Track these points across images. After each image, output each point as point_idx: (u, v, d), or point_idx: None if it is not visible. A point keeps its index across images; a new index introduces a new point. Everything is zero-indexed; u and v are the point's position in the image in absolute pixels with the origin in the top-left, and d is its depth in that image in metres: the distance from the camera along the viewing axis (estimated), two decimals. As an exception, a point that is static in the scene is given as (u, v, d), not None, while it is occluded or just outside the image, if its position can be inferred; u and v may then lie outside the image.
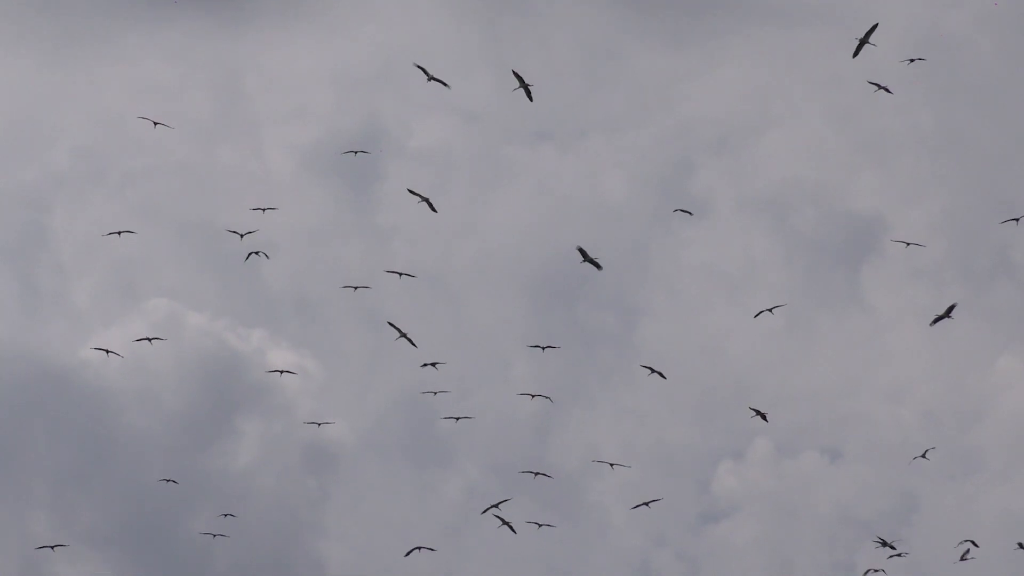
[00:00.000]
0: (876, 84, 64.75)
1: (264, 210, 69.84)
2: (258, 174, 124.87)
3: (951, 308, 57.74)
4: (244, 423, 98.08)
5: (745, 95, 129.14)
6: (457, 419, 75.95)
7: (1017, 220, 63.70)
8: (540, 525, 69.24)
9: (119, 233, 73.40)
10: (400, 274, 66.58)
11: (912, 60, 66.18)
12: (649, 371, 64.28)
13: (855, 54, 59.24)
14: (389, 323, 64.65)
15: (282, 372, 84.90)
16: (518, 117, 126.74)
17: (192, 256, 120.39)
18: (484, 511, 67.01)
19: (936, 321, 58.39)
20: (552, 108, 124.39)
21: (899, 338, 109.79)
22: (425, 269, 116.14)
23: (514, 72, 59.96)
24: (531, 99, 61.51)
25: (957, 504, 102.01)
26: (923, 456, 61.10)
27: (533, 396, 71.48)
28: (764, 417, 62.66)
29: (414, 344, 64.73)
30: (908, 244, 66.14)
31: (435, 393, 70.19)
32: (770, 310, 64.61)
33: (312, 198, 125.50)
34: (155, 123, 68.17)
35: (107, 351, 76.45)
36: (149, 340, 79.85)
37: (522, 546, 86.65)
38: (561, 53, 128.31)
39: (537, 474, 70.07)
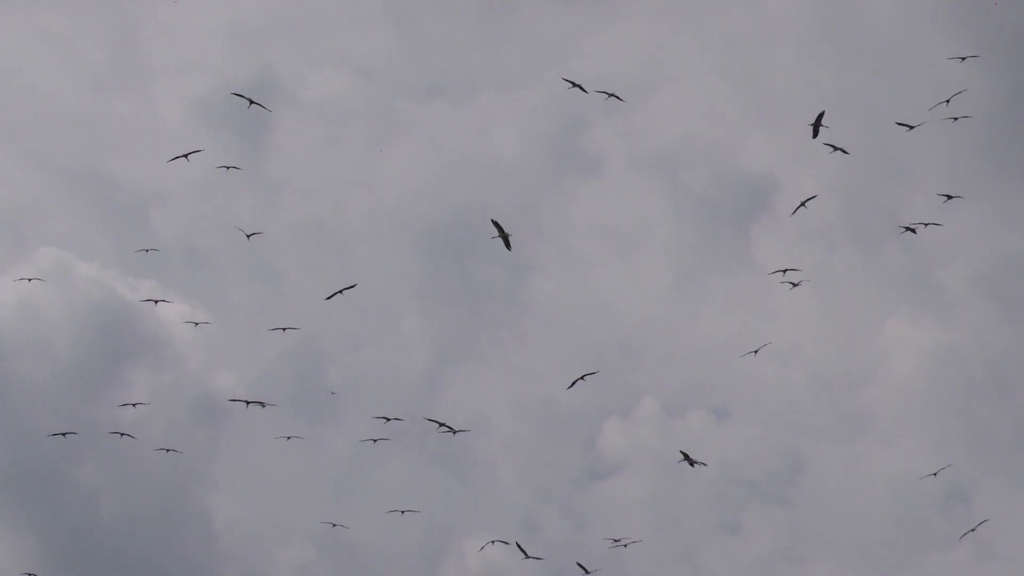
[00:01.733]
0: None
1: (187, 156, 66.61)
2: (149, 124, 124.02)
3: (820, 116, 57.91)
4: (134, 374, 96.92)
5: (639, 53, 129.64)
6: (333, 393, 77.97)
7: (915, 231, 64.21)
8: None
9: None
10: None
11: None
12: (683, 457, 62.83)
13: (813, 135, 59.45)
14: (428, 419, 64.15)
15: (156, 302, 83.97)
16: (411, 72, 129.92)
17: (82, 206, 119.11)
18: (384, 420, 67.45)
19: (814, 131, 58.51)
20: (446, 63, 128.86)
21: (787, 299, 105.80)
22: (316, 222, 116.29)
23: (493, 221, 57.88)
24: (509, 248, 58.64)
25: (843, 465, 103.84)
26: (934, 475, 61.35)
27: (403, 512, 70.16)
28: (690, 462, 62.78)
29: (453, 431, 63.99)
30: (804, 203, 64.91)
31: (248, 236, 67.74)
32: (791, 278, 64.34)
33: (203, 148, 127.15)
34: (187, 156, 66.20)
35: None
36: (28, 280, 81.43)
37: (408, 499, 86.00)
38: (456, 8, 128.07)
39: (441, 425, 68.63)
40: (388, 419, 65.99)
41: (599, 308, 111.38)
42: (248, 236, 67.26)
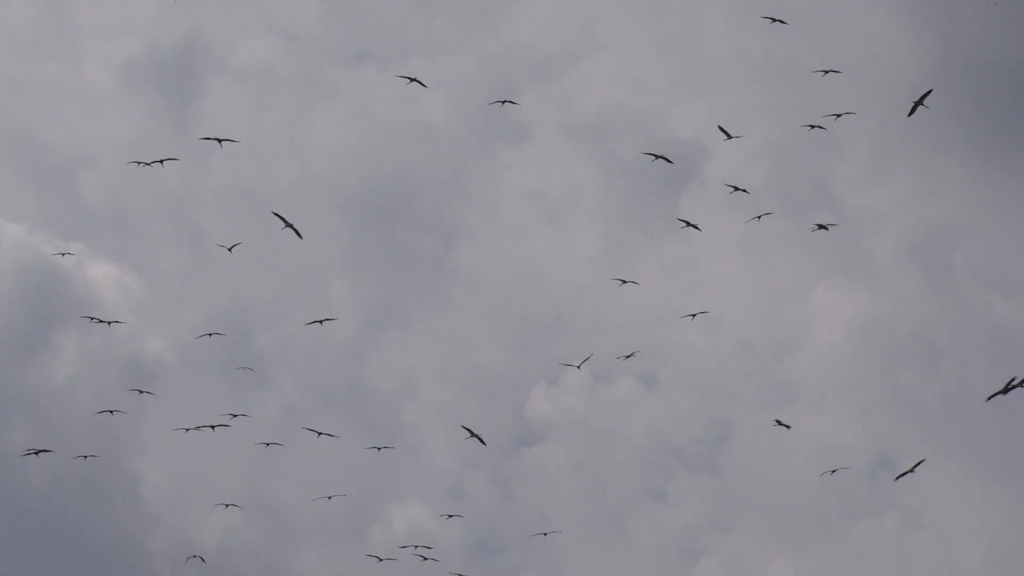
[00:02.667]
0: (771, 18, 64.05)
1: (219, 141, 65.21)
2: (78, 88, 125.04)
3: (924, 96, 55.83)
4: (62, 338, 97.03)
5: (568, 20, 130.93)
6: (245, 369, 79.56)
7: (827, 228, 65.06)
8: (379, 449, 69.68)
9: None
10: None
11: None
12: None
13: (910, 113, 57.68)
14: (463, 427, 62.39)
15: (63, 255, 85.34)
16: (340, 38, 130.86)
17: (9, 168, 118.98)
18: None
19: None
20: (374, 29, 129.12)
21: (715, 267, 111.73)
22: (244, 186, 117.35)
23: (465, 427, 59.45)
24: (484, 444, 60.33)
25: (770, 434, 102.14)
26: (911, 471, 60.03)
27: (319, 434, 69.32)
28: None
29: (483, 442, 62.30)
30: (736, 189, 64.90)
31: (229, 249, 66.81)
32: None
33: (131, 112, 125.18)
34: (219, 140, 64.68)
35: None
36: None
37: (339, 465, 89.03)
38: None
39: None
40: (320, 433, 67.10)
41: (528, 275, 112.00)
42: (230, 249, 66.51)
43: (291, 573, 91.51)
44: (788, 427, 66.39)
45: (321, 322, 65.28)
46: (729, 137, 59.97)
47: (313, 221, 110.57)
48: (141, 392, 73.37)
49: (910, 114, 56.49)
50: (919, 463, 56.08)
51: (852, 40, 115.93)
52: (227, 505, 75.17)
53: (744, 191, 63.51)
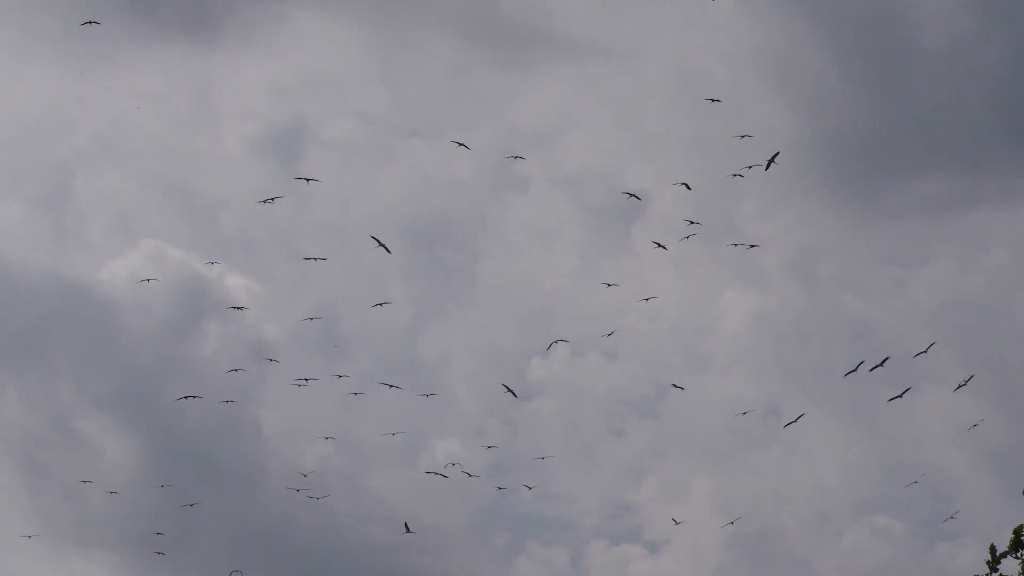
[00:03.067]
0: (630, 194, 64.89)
1: (308, 180, 67.14)
2: (219, 153, 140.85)
3: (774, 156, 55.92)
4: (208, 325, 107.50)
5: (554, 107, 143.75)
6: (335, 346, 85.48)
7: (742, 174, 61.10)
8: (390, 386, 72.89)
9: None
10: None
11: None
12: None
13: (766, 168, 56.96)
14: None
15: (212, 263, 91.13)
16: (398, 119, 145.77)
17: (172, 208, 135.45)
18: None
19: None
20: (422, 113, 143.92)
21: (656, 276, 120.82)
22: (334, 223, 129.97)
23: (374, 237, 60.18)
24: (388, 251, 61.71)
25: (693, 391, 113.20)
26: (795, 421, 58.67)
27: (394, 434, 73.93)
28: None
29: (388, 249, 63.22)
30: (691, 223, 64.47)
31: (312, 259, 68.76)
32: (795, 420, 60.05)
33: (255, 170, 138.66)
34: (307, 180, 65.49)
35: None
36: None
37: (394, 416, 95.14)
38: (430, 73, 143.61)
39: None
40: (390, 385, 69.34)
41: (527, 282, 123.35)
42: (272, 201, 66.15)
43: (367, 487, 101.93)
44: (682, 388, 71.97)
45: (382, 304, 70.63)
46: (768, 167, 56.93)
47: (378, 246, 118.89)
48: (270, 360, 79.33)
49: (766, 168, 56.88)
50: (801, 416, 58.93)
51: (749, 118, 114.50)
52: (326, 438, 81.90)
53: (697, 223, 63.93)
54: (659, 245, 65.13)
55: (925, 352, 55.26)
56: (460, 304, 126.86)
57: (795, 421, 58.88)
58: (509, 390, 63.61)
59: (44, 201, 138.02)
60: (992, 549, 32.78)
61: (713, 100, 64.60)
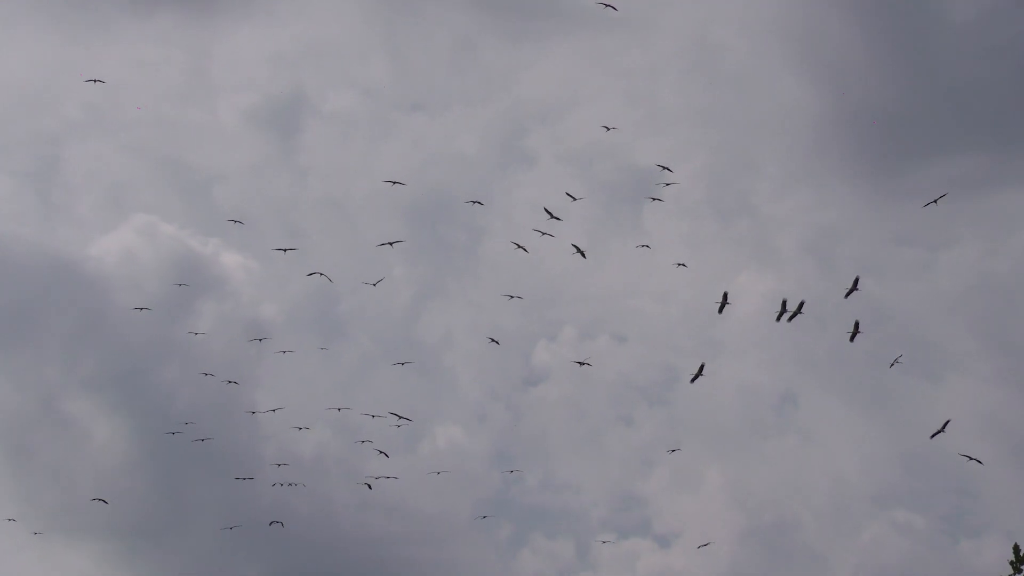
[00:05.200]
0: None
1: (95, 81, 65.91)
2: (214, 126, 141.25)
3: (800, 306, 57.39)
4: (203, 304, 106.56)
5: (562, 81, 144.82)
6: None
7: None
8: (403, 364, 74.61)
9: None
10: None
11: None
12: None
13: (846, 295, 57.57)
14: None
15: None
16: (400, 92, 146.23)
17: (165, 182, 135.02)
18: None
19: (785, 317, 57.91)
20: (424, 86, 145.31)
21: (667, 257, 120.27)
22: (332, 199, 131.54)
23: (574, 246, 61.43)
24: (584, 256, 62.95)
25: (706, 376, 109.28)
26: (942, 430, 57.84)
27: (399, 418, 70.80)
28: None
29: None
30: (667, 184, 66.41)
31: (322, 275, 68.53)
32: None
33: (251, 144, 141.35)
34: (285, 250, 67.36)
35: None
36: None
37: (397, 397, 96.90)
38: (435, 44, 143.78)
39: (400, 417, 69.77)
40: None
41: (533, 262, 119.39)
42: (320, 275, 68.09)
43: (364, 471, 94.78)
44: (701, 375, 64.07)
45: (376, 283, 70.41)
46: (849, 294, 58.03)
47: (381, 222, 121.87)
48: (260, 340, 77.53)
49: (847, 296, 58.08)
50: (702, 366, 60.09)
51: (768, 92, 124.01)
52: (339, 409, 76.52)
53: (668, 169, 65.34)
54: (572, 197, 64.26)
55: (943, 431, 56.95)
56: (463, 284, 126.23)
57: (699, 374, 59.46)
58: (548, 213, 62.88)
59: (32, 174, 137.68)
60: (1016, 549, 31.45)
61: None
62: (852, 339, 58.18)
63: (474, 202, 68.84)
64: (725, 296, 59.00)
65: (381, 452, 71.52)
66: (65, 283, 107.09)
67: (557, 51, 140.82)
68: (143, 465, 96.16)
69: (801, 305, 57.90)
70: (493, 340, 67.48)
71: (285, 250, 66.89)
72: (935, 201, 59.10)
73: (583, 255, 63.92)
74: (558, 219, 63.11)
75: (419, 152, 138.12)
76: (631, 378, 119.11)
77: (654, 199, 67.33)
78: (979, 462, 57.52)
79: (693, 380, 60.64)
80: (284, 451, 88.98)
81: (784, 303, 57.85)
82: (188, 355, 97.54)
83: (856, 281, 57.82)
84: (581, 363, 71.41)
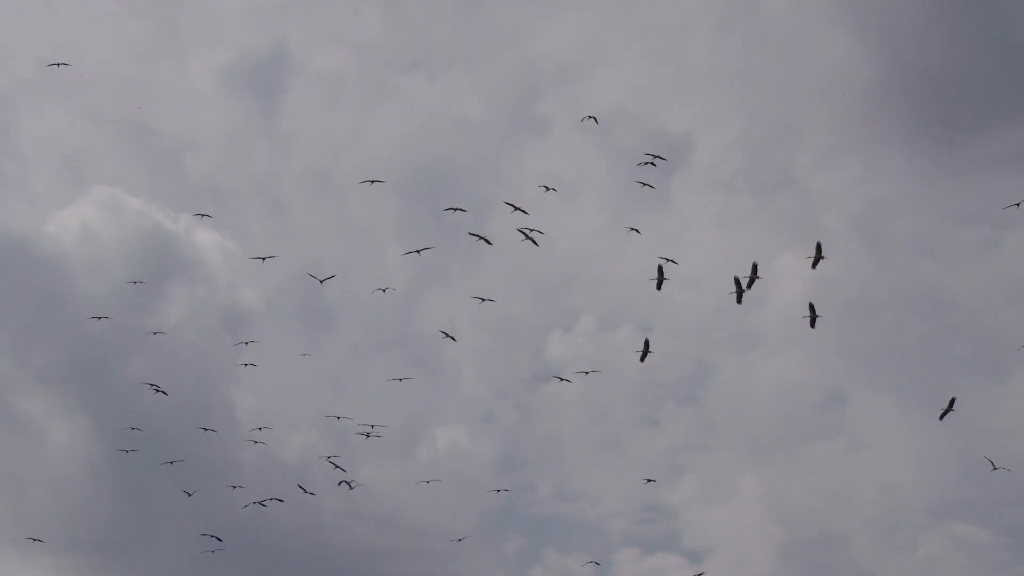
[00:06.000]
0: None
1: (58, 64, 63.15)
2: (184, 86, 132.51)
3: (951, 402, 55.75)
4: (173, 290, 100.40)
5: (580, 37, 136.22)
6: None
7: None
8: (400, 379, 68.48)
9: None
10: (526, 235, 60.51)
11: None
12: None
13: (941, 418, 56.40)
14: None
15: (201, 216, 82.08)
16: (397, 49, 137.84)
17: (130, 151, 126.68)
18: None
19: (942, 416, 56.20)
20: (425, 43, 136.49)
21: (698, 237, 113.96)
22: (318, 169, 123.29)
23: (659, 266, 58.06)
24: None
25: (741, 372, 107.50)
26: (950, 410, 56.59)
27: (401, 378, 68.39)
28: None
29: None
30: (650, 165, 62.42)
31: (321, 281, 67.06)
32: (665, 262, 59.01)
33: (227, 107, 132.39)
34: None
35: None
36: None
37: (392, 395, 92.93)
38: None
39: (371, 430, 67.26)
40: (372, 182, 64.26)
41: (545, 242, 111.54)
42: (321, 281, 66.56)
43: (357, 480, 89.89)
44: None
45: (385, 290, 66.94)
46: (944, 416, 56.76)
47: (373, 197, 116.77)
48: (247, 343, 73.54)
49: (941, 418, 56.62)
50: (646, 344, 57.86)
51: (812, 51, 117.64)
52: (338, 417, 70.91)
53: (661, 158, 62.33)
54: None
55: (951, 410, 54.63)
56: (466, 268, 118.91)
57: (645, 352, 56.69)
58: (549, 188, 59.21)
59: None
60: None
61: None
62: (812, 324, 56.41)
63: (455, 209, 62.98)
64: (661, 270, 56.77)
65: (343, 482, 69.04)
66: (17, 264, 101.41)
67: (575, 3, 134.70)
68: (106, 470, 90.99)
69: (755, 269, 55.54)
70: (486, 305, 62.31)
71: (264, 259, 64.04)
72: (1016, 205, 55.81)
73: (534, 242, 60.24)
74: (524, 212, 59.21)
75: (417, 118, 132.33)
76: (656, 374, 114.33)
77: (644, 184, 62.76)
78: None
79: (642, 357, 57.89)
80: (267, 456, 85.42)
81: (737, 281, 55.30)
82: (157, 347, 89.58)
83: (952, 402, 55.98)
84: (587, 372, 67.98)
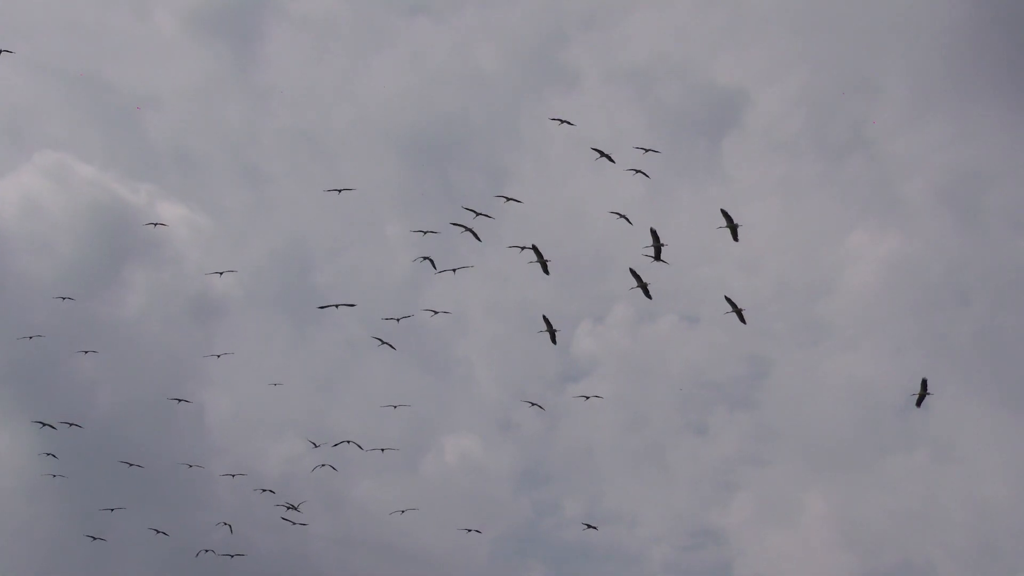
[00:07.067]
0: None
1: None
2: (144, 33, 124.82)
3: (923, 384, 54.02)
4: (132, 273, 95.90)
5: None
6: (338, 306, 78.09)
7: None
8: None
9: None
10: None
11: None
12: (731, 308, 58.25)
13: (918, 404, 55.41)
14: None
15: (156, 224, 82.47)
16: None
17: (79, 109, 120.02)
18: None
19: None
20: None
21: (755, 210, 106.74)
22: (303, 129, 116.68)
23: (544, 317, 57.25)
24: (554, 342, 58.64)
25: (804, 370, 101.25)
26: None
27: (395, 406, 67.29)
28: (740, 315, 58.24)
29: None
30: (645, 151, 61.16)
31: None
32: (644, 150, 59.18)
33: (195, 57, 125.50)
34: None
35: None
36: None
37: (392, 397, 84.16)
38: None
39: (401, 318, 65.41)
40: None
41: (574, 216, 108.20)
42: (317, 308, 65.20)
43: (350, 499, 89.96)
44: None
45: (400, 319, 63.28)
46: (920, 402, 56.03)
47: (369, 163, 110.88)
48: (219, 356, 71.72)
49: (919, 405, 54.87)
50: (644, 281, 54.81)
51: None
52: (339, 444, 70.49)
53: (655, 151, 60.50)
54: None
55: (927, 393, 52.96)
56: (480, 247, 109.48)
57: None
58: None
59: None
60: None
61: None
62: (919, 404, 53.04)
63: (465, 224, 60.19)
64: (656, 235, 53.45)
65: (287, 519, 66.15)
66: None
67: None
68: (52, 484, 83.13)
69: (655, 236, 53.30)
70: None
71: (222, 273, 62.60)
72: None
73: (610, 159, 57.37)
74: (517, 201, 58.16)
75: (421, 69, 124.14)
76: (705, 372, 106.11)
77: (638, 172, 59.22)
78: None
79: (656, 254, 53.71)
80: (244, 469, 79.74)
81: (636, 275, 53.35)
82: (115, 339, 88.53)
83: (924, 384, 53.34)
84: (587, 397, 66.53)
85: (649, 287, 56.44)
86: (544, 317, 56.34)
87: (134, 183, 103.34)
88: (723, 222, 55.59)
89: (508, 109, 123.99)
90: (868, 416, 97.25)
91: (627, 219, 57.89)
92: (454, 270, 58.89)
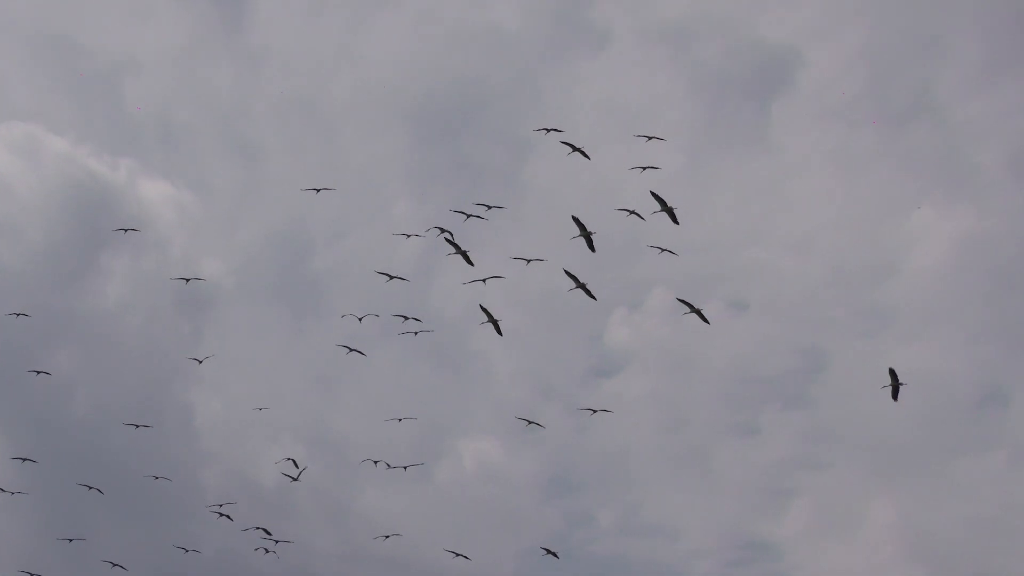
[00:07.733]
0: None
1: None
2: None
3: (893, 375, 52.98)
4: (112, 260, 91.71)
5: None
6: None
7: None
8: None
9: None
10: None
11: None
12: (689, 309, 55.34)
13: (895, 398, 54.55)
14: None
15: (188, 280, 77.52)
16: None
17: (50, 76, 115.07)
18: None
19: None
20: None
21: (808, 183, 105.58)
22: (299, 97, 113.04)
23: (574, 218, 54.75)
24: (592, 249, 56.28)
25: (865, 363, 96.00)
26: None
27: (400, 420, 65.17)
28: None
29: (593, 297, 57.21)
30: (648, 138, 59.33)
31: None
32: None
33: (179, 17, 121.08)
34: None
35: None
36: None
37: (399, 396, 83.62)
38: None
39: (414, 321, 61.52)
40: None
41: (604, 192, 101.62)
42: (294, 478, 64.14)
43: (354, 510, 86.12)
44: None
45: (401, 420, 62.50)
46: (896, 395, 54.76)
47: (374, 134, 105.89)
48: (200, 361, 69.43)
49: (895, 397, 54.02)
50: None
51: None
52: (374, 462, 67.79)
53: (660, 139, 58.70)
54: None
55: (900, 383, 53.06)
56: (498, 227, 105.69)
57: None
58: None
59: None
60: None
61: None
62: (894, 397, 51.91)
63: (407, 235, 59.63)
64: (662, 202, 53.80)
65: (287, 475, 64.98)
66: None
67: None
68: (23, 501, 78.80)
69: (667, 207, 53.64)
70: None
71: (187, 280, 64.14)
72: None
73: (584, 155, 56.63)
74: (492, 209, 56.73)
75: (430, 29, 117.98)
76: (754, 366, 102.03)
77: (645, 168, 57.08)
78: None
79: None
80: (236, 476, 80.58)
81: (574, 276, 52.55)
82: (93, 335, 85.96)
83: (893, 374, 52.61)
84: (593, 411, 63.77)
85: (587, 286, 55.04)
86: (574, 217, 53.08)
87: (112, 158, 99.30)
88: (656, 206, 54.37)
89: (530, 73, 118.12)
90: (937, 414, 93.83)
91: (638, 215, 55.65)
92: (484, 280, 56.37)
